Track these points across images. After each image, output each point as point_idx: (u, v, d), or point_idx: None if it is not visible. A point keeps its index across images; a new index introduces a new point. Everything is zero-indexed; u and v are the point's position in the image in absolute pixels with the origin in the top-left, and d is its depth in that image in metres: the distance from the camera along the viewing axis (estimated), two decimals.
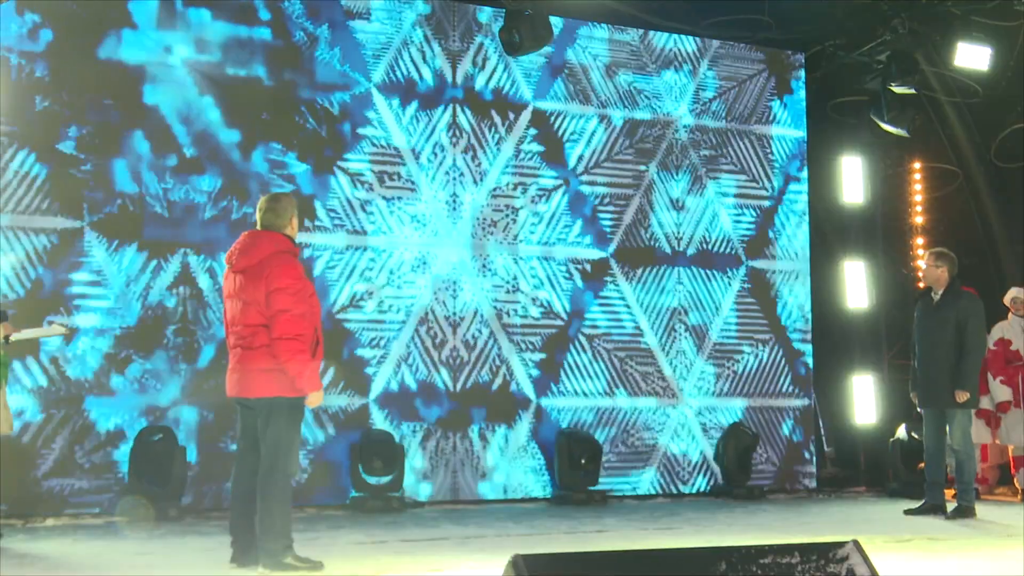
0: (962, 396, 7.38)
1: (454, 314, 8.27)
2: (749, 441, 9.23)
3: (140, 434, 7.48)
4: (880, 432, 9.96)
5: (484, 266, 8.40)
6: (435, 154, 8.01)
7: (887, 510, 8.18)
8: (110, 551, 5.96)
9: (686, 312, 9.43)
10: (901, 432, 9.38)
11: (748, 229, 9.84)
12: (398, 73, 8.11)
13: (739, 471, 9.19)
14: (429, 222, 8.14)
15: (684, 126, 9.64)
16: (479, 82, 8.37)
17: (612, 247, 9.03)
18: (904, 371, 8.62)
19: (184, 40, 7.63)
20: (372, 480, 8.04)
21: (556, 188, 9.00)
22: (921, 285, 7.75)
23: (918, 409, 7.87)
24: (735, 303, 9.64)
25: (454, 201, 8.34)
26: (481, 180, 8.48)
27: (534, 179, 8.88)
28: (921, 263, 9.60)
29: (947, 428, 7.55)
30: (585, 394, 8.94)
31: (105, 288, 7.57)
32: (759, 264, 9.83)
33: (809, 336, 10.08)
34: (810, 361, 10.10)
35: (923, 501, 7.76)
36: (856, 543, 3.36)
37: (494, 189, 8.62)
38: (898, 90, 9.32)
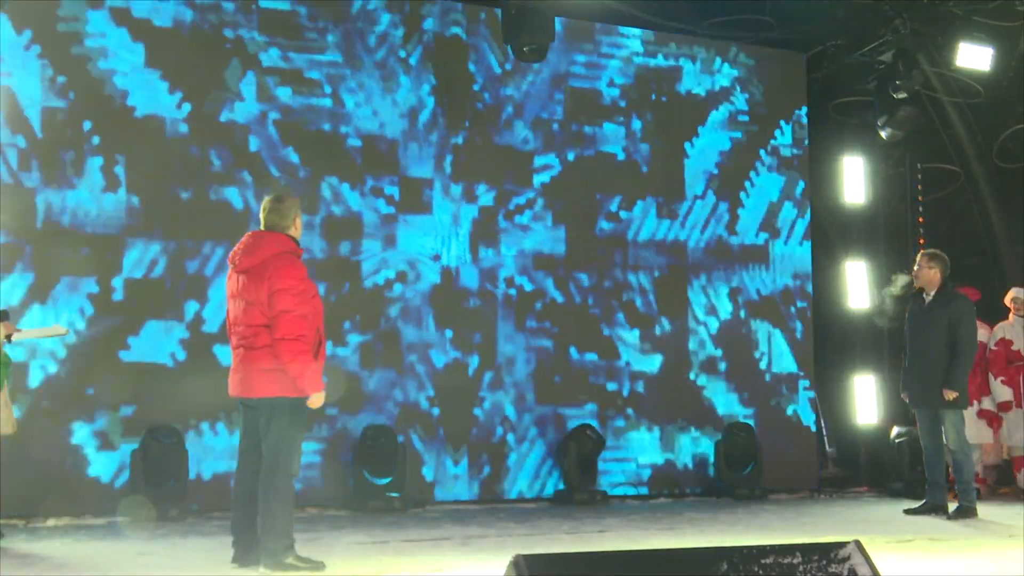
0: (950, 395, 7.39)
1: None
2: (747, 441, 9.24)
3: (145, 434, 7.50)
4: (881, 432, 9.96)
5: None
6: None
7: (889, 510, 8.18)
8: (112, 551, 5.96)
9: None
10: (897, 431, 9.39)
11: (749, 228, 9.83)
12: None
13: (738, 472, 9.18)
14: None
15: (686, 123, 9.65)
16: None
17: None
18: None
19: None
20: (374, 480, 8.05)
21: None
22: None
23: (911, 409, 7.89)
24: (737, 302, 9.63)
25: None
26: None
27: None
28: None
29: (942, 428, 7.57)
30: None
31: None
32: (761, 263, 9.81)
33: (811, 335, 10.08)
34: (812, 361, 10.10)
35: (923, 501, 7.78)
36: (858, 543, 3.36)
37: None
38: (900, 94, 9.31)
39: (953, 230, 10.59)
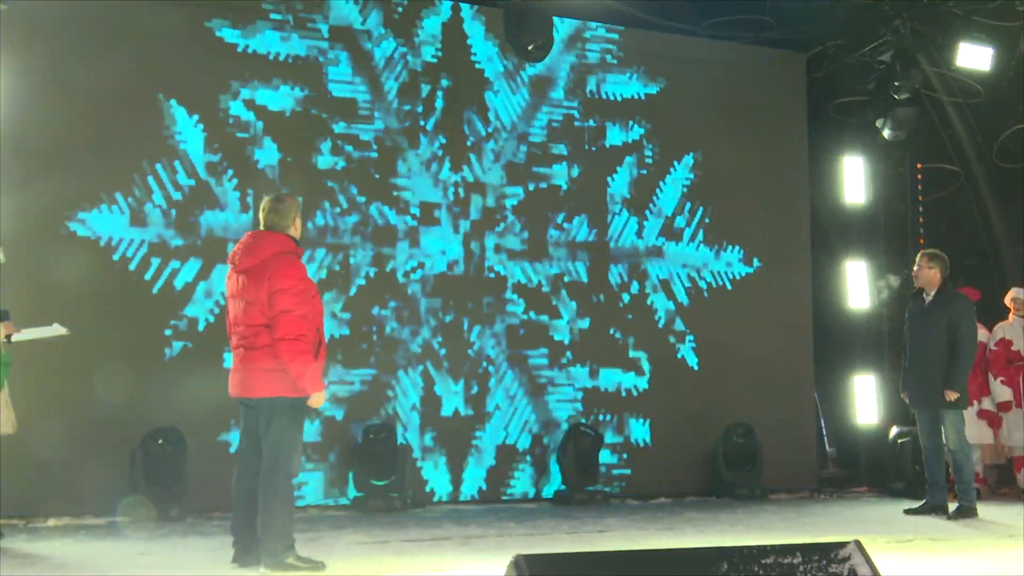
0: (951, 395, 7.38)
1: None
2: (747, 441, 9.25)
3: (146, 435, 7.50)
4: (881, 432, 9.96)
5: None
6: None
7: (889, 510, 8.18)
8: (112, 551, 5.96)
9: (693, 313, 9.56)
10: (899, 431, 9.40)
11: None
12: None
13: (738, 472, 9.19)
14: None
15: (687, 124, 9.72)
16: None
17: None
18: None
19: None
20: (374, 480, 8.06)
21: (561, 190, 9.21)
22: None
23: (911, 409, 7.89)
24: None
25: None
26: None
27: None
28: None
29: (941, 428, 7.56)
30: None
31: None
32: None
33: (810, 335, 10.10)
34: (811, 361, 10.11)
35: (923, 501, 7.77)
36: (858, 543, 3.36)
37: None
38: (900, 94, 9.31)
39: (953, 230, 10.58)
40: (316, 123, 8.30)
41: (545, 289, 9.07)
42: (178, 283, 8.08)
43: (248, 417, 5.25)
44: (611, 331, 9.22)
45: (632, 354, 9.30)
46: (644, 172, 9.26)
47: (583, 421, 8.98)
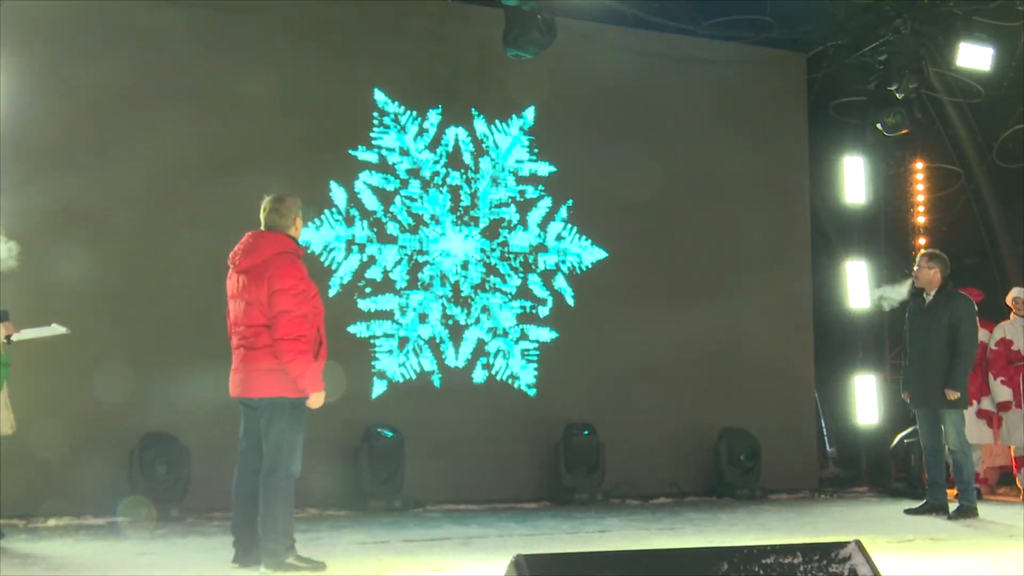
0: (952, 395, 7.37)
1: None
2: (749, 444, 9.25)
3: (146, 435, 7.50)
4: (882, 432, 9.97)
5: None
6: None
7: (889, 510, 8.18)
8: (112, 551, 5.96)
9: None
10: (907, 432, 9.38)
11: (751, 225, 9.87)
12: None
13: (740, 473, 9.19)
14: None
15: (688, 124, 9.75)
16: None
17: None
18: None
19: None
20: (375, 480, 8.06)
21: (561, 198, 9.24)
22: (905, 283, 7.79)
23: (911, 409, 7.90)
24: (737, 304, 9.68)
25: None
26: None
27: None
28: None
29: (942, 428, 7.56)
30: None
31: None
32: (765, 264, 9.85)
33: (810, 335, 10.10)
34: (812, 361, 10.11)
35: (924, 501, 7.77)
36: (858, 543, 3.36)
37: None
38: (900, 95, 9.30)
39: (953, 230, 10.59)
40: (392, 193, 8.90)
41: (502, 268, 9.38)
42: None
43: (248, 417, 5.25)
44: (528, 284, 9.50)
45: (539, 293, 9.55)
46: (546, 211, 9.58)
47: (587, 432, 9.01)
